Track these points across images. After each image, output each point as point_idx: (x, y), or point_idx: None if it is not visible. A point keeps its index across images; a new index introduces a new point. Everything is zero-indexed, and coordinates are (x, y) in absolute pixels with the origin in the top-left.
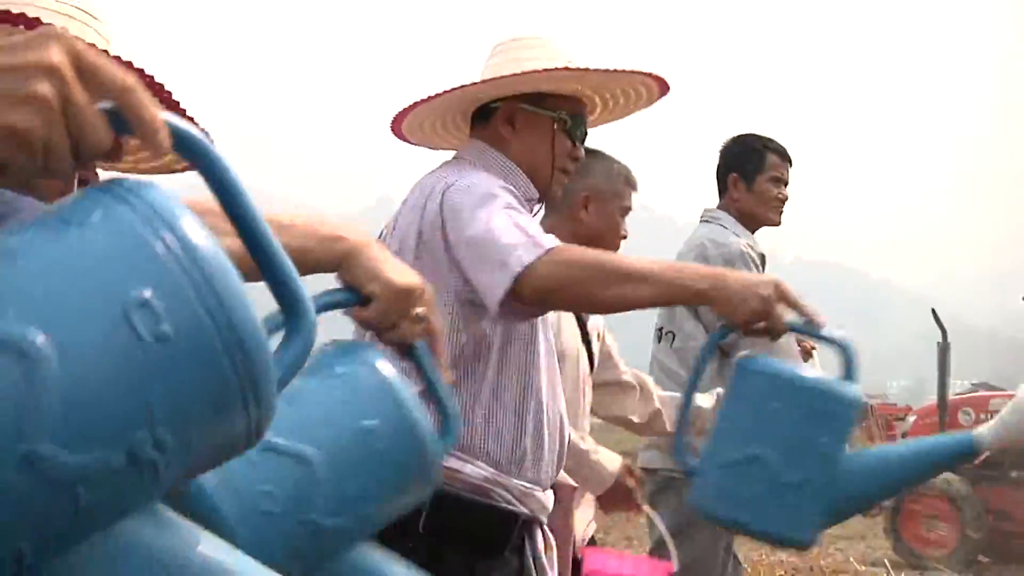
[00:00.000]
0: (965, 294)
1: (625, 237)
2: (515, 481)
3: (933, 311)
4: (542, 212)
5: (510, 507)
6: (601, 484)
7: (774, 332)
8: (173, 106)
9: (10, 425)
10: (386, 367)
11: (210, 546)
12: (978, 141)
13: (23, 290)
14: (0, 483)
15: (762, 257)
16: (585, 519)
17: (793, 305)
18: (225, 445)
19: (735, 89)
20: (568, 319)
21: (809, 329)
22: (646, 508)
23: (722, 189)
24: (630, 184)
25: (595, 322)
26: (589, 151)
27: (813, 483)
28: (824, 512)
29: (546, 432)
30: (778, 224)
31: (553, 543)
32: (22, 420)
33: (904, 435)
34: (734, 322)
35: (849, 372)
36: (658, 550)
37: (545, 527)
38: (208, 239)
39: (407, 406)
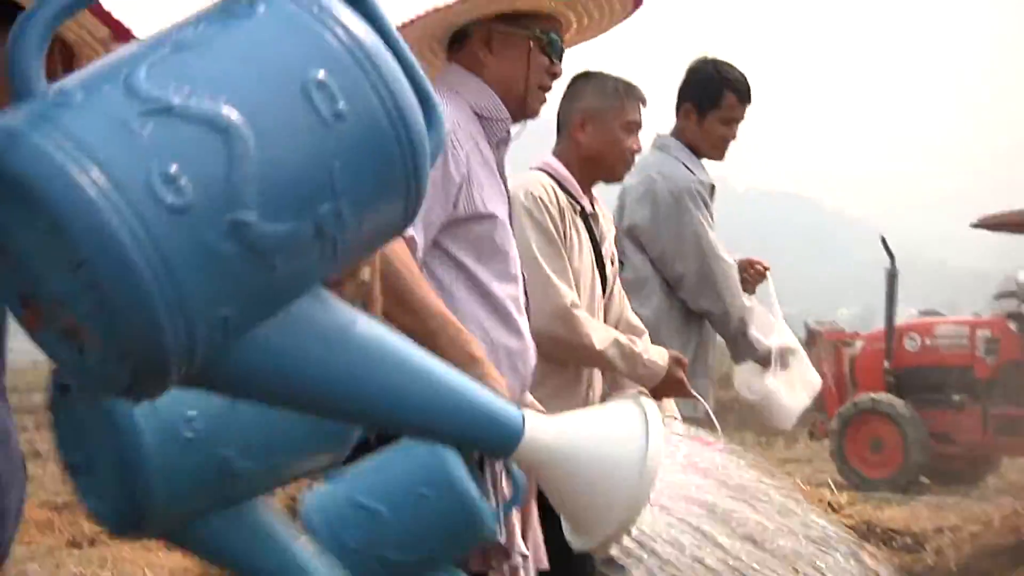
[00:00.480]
0: (916, 224)
1: (638, 151)
2: None
3: (882, 238)
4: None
5: None
6: (655, 378)
7: None
8: None
9: (220, 194)
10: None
11: (367, 325)
12: (929, 75)
13: (208, 75)
14: (211, 250)
15: (712, 188)
16: None
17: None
18: (386, 228)
19: (692, 9)
20: (585, 242)
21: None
22: (694, 393)
23: (679, 112)
24: (633, 97)
25: (609, 246)
26: (583, 74)
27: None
28: None
29: (503, 352)
30: (720, 160)
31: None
32: (229, 190)
33: (852, 360)
34: None
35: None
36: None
37: None
38: (368, 29)
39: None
